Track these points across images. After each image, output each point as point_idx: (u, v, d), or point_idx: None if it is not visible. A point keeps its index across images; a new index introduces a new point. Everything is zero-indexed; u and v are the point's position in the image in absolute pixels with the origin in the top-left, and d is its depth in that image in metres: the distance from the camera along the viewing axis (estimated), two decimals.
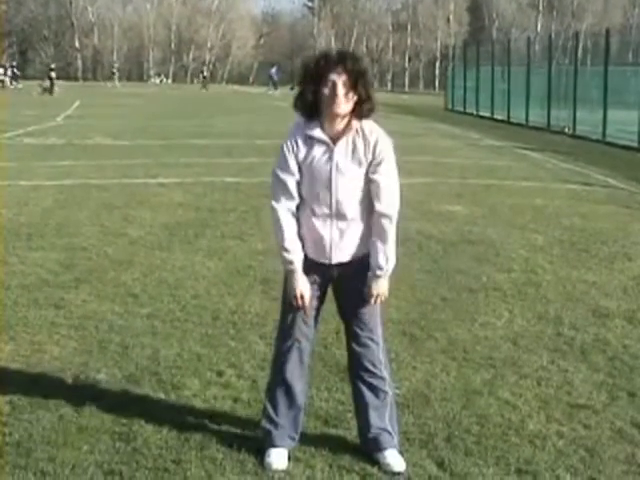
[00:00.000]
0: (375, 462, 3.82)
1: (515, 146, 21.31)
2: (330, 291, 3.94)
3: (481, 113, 35.37)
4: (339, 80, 3.64)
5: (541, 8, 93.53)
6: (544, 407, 4.55)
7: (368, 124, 3.77)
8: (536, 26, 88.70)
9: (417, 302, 6.58)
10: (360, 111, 3.73)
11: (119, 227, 9.39)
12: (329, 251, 3.78)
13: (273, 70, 67.58)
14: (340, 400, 4.52)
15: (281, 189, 3.76)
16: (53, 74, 53.62)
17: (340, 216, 3.75)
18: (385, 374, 3.93)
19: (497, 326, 6.01)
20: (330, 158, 3.72)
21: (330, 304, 3.96)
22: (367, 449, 3.91)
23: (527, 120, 29.61)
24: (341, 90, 3.64)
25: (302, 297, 3.78)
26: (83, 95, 48.08)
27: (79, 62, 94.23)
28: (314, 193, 3.74)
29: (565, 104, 26.41)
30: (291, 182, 3.75)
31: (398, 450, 3.88)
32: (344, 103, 3.67)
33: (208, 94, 59.42)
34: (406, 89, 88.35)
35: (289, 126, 3.88)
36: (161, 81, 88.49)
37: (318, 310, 3.92)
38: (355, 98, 3.69)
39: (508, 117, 32.12)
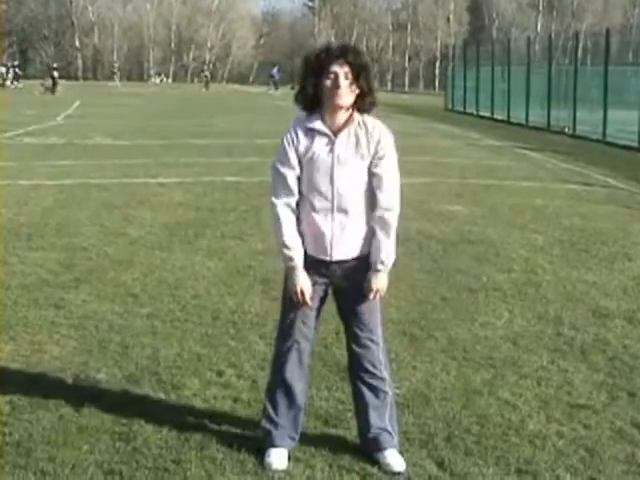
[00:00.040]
0: (375, 462, 3.82)
1: (515, 146, 21.31)
2: (330, 292, 3.93)
3: (481, 113, 35.37)
4: (341, 71, 3.64)
5: (541, 8, 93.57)
6: (544, 407, 4.55)
7: (371, 118, 3.78)
8: (536, 26, 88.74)
9: (417, 302, 6.58)
10: (362, 105, 3.73)
11: (119, 227, 9.39)
12: (329, 247, 3.76)
13: (275, 70, 67.85)
14: (340, 400, 4.52)
15: (281, 184, 3.75)
16: (56, 73, 53.78)
17: (341, 210, 3.72)
18: (385, 374, 3.92)
19: (497, 326, 6.01)
20: (331, 150, 3.71)
21: (330, 304, 3.96)
22: (367, 449, 3.91)
23: (527, 120, 29.62)
24: (343, 81, 3.64)
25: (302, 293, 3.76)
26: (83, 95, 48.09)
27: (79, 61, 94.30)
28: (315, 186, 3.72)
29: (565, 104, 26.41)
30: (291, 176, 3.74)
31: (398, 450, 3.88)
32: (346, 94, 3.66)
33: (208, 94, 59.47)
34: (406, 89, 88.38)
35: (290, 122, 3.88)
36: (161, 81, 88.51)
37: (319, 311, 3.91)
38: (357, 91, 3.69)
39: (508, 117, 32.13)
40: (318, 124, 3.73)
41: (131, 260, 7.81)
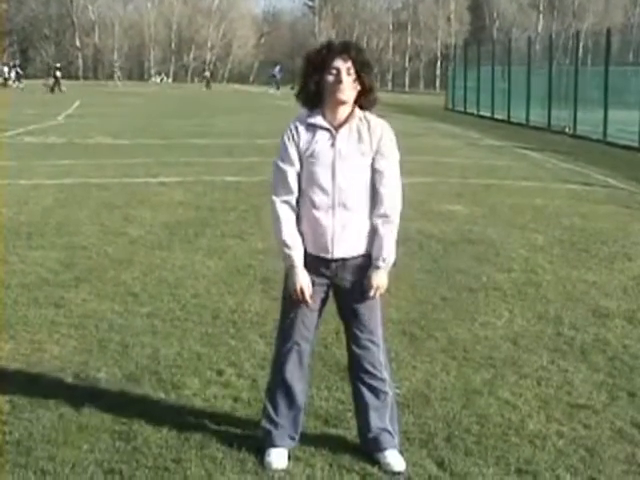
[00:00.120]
0: (375, 462, 3.82)
1: (515, 146, 21.31)
2: (331, 293, 3.92)
3: (481, 113, 35.36)
4: (343, 67, 3.64)
5: (542, 8, 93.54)
6: (544, 407, 4.55)
7: (373, 116, 3.78)
8: (537, 26, 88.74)
9: (417, 301, 6.58)
10: (363, 101, 3.73)
11: (119, 226, 9.39)
12: (330, 244, 3.74)
13: (276, 69, 68.00)
14: (340, 399, 4.52)
15: (281, 181, 3.75)
16: (58, 73, 53.87)
17: (342, 205, 3.71)
18: (385, 375, 3.92)
19: (497, 326, 6.00)
20: (333, 145, 3.71)
21: (330, 304, 3.96)
22: (367, 449, 3.91)
23: (527, 120, 29.61)
24: (345, 76, 3.64)
25: (302, 292, 3.75)
26: (84, 94, 48.10)
27: (80, 61, 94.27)
28: (316, 182, 3.70)
29: (566, 104, 26.41)
30: (291, 173, 3.73)
31: (398, 450, 3.88)
32: (348, 89, 3.66)
33: (209, 93, 59.47)
34: (406, 89, 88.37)
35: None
36: (162, 80, 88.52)
37: (319, 312, 3.90)
38: (359, 87, 3.69)
39: (508, 117, 32.12)
40: (319, 119, 3.73)
41: (131, 259, 7.81)
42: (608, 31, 24.88)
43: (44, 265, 7.50)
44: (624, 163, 17.73)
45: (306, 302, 3.78)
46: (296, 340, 3.85)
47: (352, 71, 3.65)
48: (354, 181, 3.72)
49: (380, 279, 3.79)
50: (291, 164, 3.73)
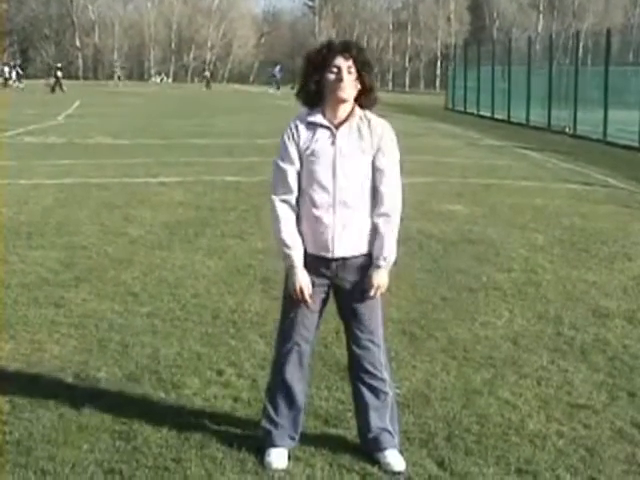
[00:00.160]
0: (375, 461, 3.82)
1: (515, 146, 21.31)
2: (331, 293, 3.92)
3: (482, 113, 35.35)
4: (344, 65, 3.64)
5: (542, 8, 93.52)
6: (544, 407, 4.55)
7: (374, 115, 3.78)
8: (537, 26, 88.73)
9: (417, 301, 6.58)
10: (363, 101, 3.73)
11: (119, 226, 9.40)
12: (331, 242, 3.73)
13: (276, 69, 68.03)
14: (340, 399, 4.52)
15: (281, 181, 3.74)
16: (59, 73, 53.94)
17: (343, 204, 3.70)
18: (385, 375, 3.91)
19: (497, 326, 6.00)
20: (333, 143, 3.70)
21: (330, 304, 3.95)
22: (367, 449, 3.90)
23: (528, 120, 29.60)
24: (346, 75, 3.64)
25: (302, 291, 3.74)
26: (84, 94, 48.10)
27: (80, 61, 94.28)
28: (316, 180, 3.70)
29: (566, 104, 26.40)
30: (291, 172, 3.72)
31: (398, 450, 3.88)
32: (349, 88, 3.66)
33: (209, 93, 59.47)
34: (407, 89, 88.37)
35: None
36: (162, 80, 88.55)
37: (319, 313, 3.89)
38: (359, 87, 3.69)
39: (508, 117, 32.12)
40: (319, 118, 3.73)
41: (131, 259, 7.81)
42: (608, 31, 24.88)
43: (44, 265, 7.51)
44: (624, 163, 17.73)
45: (306, 302, 3.78)
46: (296, 340, 3.85)
47: (353, 70, 3.66)
48: (355, 179, 3.72)
49: (381, 278, 3.78)
50: (291, 163, 3.73)
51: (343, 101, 3.69)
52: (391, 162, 3.75)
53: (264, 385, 4.17)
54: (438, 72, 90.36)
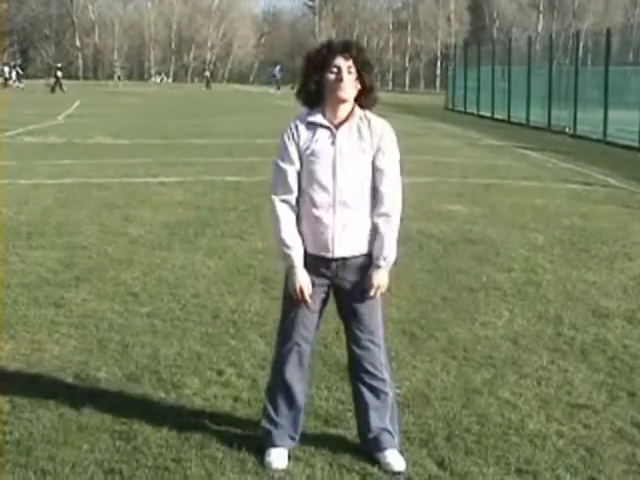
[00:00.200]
0: (375, 461, 3.82)
1: (515, 146, 21.31)
2: (331, 293, 3.92)
3: (482, 113, 35.35)
4: (344, 65, 3.64)
5: (542, 8, 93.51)
6: (544, 407, 4.55)
7: (374, 115, 3.78)
8: (537, 26, 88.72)
9: (417, 301, 6.58)
10: (363, 101, 3.73)
11: (119, 226, 9.40)
12: (331, 242, 3.73)
13: (277, 69, 68.10)
14: (340, 399, 4.52)
15: (281, 181, 3.74)
16: (60, 73, 53.99)
17: (343, 204, 3.70)
18: (386, 375, 3.91)
19: (497, 325, 6.00)
20: (333, 142, 3.70)
21: (330, 303, 3.95)
22: (367, 449, 3.90)
23: (528, 120, 29.60)
24: (346, 75, 3.64)
25: (302, 291, 3.74)
26: (84, 94, 48.10)
27: (80, 61, 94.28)
28: (316, 180, 3.70)
29: (566, 104, 26.40)
30: (291, 172, 3.72)
31: (398, 450, 3.88)
32: (349, 88, 3.66)
33: (209, 93, 59.47)
34: (407, 88, 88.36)
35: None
36: (162, 80, 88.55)
37: (319, 313, 3.89)
38: (359, 87, 3.69)
39: (509, 117, 32.11)
40: (319, 117, 3.73)
41: (131, 259, 7.81)
42: (608, 31, 24.88)
43: (44, 265, 7.51)
44: (624, 163, 17.74)
45: (306, 302, 3.78)
46: (296, 340, 3.85)
47: (353, 70, 3.66)
48: (355, 179, 3.72)
49: (381, 278, 3.78)
50: (291, 163, 3.73)
51: (343, 101, 3.69)
52: (391, 162, 3.76)
53: (264, 385, 4.17)
54: (438, 72, 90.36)
